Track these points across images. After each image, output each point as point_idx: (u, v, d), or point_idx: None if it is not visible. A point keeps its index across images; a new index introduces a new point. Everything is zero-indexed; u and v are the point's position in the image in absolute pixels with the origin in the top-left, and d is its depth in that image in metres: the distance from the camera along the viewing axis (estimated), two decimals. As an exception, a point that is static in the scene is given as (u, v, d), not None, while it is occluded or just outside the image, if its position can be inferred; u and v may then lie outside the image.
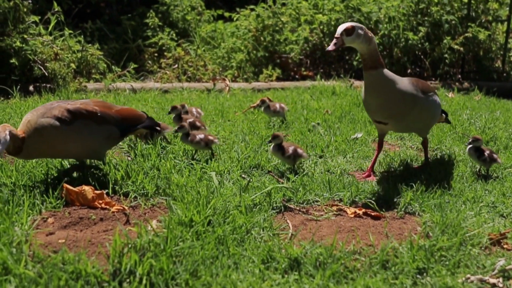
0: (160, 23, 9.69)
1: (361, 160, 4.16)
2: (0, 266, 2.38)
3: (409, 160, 4.15)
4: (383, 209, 3.21)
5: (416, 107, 3.56)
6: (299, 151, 3.83)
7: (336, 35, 3.34)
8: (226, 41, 9.53)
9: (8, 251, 2.44)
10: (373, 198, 3.29)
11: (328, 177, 3.59)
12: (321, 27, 9.12)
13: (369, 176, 3.74)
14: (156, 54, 9.20)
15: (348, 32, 3.32)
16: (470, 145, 3.90)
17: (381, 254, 2.56)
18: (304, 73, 9.05)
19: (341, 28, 3.32)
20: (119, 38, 9.89)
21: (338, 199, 3.35)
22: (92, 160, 3.79)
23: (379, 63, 3.44)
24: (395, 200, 3.30)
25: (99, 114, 3.38)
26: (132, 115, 3.61)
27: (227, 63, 9.07)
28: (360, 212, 3.12)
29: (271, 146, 3.84)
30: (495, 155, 3.86)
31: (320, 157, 4.25)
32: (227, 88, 7.85)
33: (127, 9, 11.12)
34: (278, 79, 8.71)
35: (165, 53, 9.07)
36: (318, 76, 8.60)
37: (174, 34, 9.58)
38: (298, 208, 3.21)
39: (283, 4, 9.67)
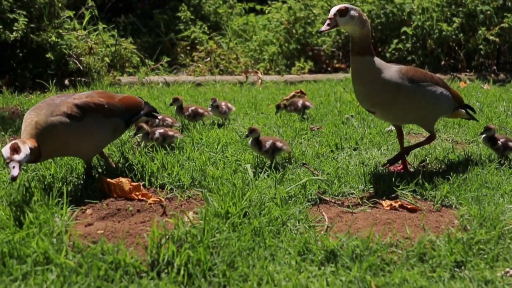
0: (192, 17, 9.73)
1: (395, 153, 4.12)
2: (41, 255, 2.43)
3: (444, 153, 4.10)
4: (419, 202, 3.18)
5: (400, 97, 3.39)
6: (278, 144, 3.75)
7: (329, 16, 3.24)
8: (258, 34, 9.54)
9: (49, 241, 2.50)
10: (409, 191, 3.27)
11: (363, 170, 3.57)
12: (354, 19, 9.05)
13: (404, 168, 3.71)
14: (188, 48, 9.26)
15: (342, 13, 3.22)
16: (484, 135, 3.91)
17: (418, 247, 2.54)
18: (337, 65, 9.01)
19: (334, 9, 3.24)
20: (152, 32, 9.97)
21: (374, 191, 3.33)
22: (123, 152, 3.84)
23: (368, 50, 3.33)
24: (431, 192, 3.27)
25: (106, 106, 3.30)
26: (134, 103, 3.54)
27: (259, 56, 9.07)
28: (396, 205, 3.10)
29: (249, 141, 3.78)
30: (511, 143, 3.85)
31: (355, 149, 4.23)
32: (260, 80, 7.86)
33: (159, 3, 11.19)
34: (310, 71, 8.69)
35: (198, 47, 9.12)
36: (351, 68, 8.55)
37: (206, 28, 9.62)
38: (333, 201, 3.20)
39: (315, -4, 9.64)
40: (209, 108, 4.94)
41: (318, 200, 3.19)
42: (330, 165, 3.73)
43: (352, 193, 3.31)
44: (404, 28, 8.69)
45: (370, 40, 3.35)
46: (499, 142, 3.86)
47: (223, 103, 5.03)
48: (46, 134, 3.04)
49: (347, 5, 3.24)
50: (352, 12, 3.23)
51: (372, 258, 2.44)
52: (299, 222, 2.84)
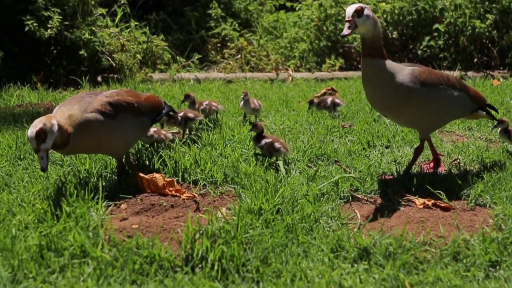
0: (222, 14, 9.78)
1: (428, 151, 4.08)
2: (78, 249, 2.48)
3: (478, 151, 4.05)
4: (453, 201, 3.15)
5: (411, 100, 3.23)
6: (276, 145, 3.73)
7: (347, 18, 3.07)
8: (289, 31, 9.54)
9: (86, 235, 2.54)
10: (442, 189, 3.24)
11: (396, 167, 3.55)
12: (385, 16, 8.99)
13: (435, 166, 3.68)
14: (219, 45, 9.31)
15: (359, 13, 3.05)
16: (499, 128, 3.94)
17: (452, 246, 2.53)
18: (367, 62, 8.95)
19: (351, 10, 3.06)
20: (183, 29, 10.04)
21: (406, 189, 3.31)
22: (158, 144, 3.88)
23: (379, 52, 3.17)
24: (465, 191, 3.24)
25: (136, 105, 3.33)
26: (157, 102, 3.57)
27: (290, 53, 9.07)
28: (429, 203, 3.08)
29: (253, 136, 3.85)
30: None
31: (387, 147, 4.21)
32: (290, 78, 7.86)
33: (190, 0, 11.26)
34: (341, 68, 8.65)
35: (228, 44, 9.16)
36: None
37: (236, 25, 9.66)
38: (365, 198, 3.20)
39: (346, -7, 9.59)
40: (241, 102, 4.89)
41: (350, 197, 3.19)
42: (362, 163, 3.72)
43: (385, 191, 3.30)
44: (436, 25, 8.60)
45: (381, 42, 3.22)
46: None
47: (255, 100, 4.98)
48: (81, 129, 3.03)
49: (361, 4, 3.11)
50: (366, 11, 3.09)
51: (406, 256, 2.43)
52: (331, 219, 2.85)
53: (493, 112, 3.94)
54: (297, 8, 9.86)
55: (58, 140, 2.93)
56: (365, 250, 2.51)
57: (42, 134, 2.82)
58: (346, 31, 3.08)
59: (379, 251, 2.50)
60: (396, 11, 8.86)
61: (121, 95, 3.30)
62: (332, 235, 2.65)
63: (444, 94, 3.38)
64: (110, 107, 3.17)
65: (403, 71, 3.26)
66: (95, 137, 3.12)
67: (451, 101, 3.43)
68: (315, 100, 5.26)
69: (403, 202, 3.13)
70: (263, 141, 3.75)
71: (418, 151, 3.55)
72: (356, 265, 2.44)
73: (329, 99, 5.19)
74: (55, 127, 2.87)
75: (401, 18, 8.86)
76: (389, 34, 8.91)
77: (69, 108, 3.08)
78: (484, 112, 3.80)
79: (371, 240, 2.57)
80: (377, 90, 3.24)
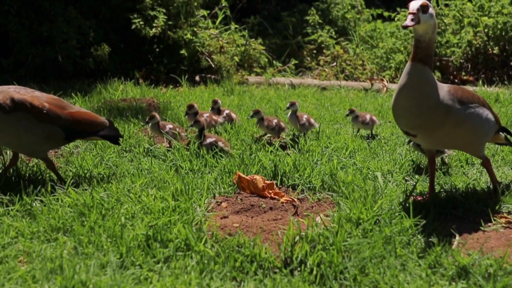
0: (320, 21, 9.84)
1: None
2: (182, 242, 2.60)
3: None
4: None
5: (449, 119, 3.03)
6: (220, 144, 4.08)
7: (411, 10, 2.87)
8: (385, 41, 9.45)
9: (190, 229, 2.66)
10: (545, 214, 3.15)
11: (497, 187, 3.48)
12: (486, 30, 8.75)
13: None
14: (315, 51, 9.37)
15: (424, 9, 2.88)
16: None
17: (556, 273, 2.47)
18: (465, 77, 8.75)
19: (417, 4, 2.88)
20: (279, 34, 10.17)
21: (507, 211, 3.25)
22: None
23: (431, 59, 2.99)
24: None
25: (44, 111, 3.27)
26: (88, 120, 3.45)
27: (386, 63, 9.00)
28: (531, 227, 3.01)
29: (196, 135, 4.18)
30: None
31: (486, 166, 4.12)
32: (385, 88, 7.80)
33: (287, 5, 11.38)
34: (437, 82, 8.49)
35: (324, 51, 9.21)
36: (480, 82, 8.27)
37: (333, 32, 9.68)
38: (464, 217, 3.16)
39: (446, 5, 9.39)
40: (288, 115, 4.64)
41: (449, 215, 3.16)
42: (460, 180, 3.67)
43: (484, 211, 3.24)
44: (542, 43, 8.30)
45: (434, 50, 3.03)
46: None
47: (304, 116, 4.68)
48: None
49: (426, 0, 2.95)
50: (431, 10, 2.94)
51: (507, 279, 2.39)
52: (430, 235, 2.84)
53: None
54: (396, 19, 9.76)
55: None
56: (464, 269, 2.49)
57: None
58: (409, 22, 2.87)
59: (479, 271, 2.48)
60: (499, 26, 8.60)
61: (36, 98, 3.31)
62: (430, 250, 2.64)
63: (478, 112, 3.19)
64: (10, 103, 3.23)
65: (444, 88, 3.10)
66: None
67: (484, 121, 3.24)
68: (356, 111, 4.87)
69: (503, 224, 3.07)
70: (208, 140, 4.08)
71: (487, 165, 3.41)
72: (454, 283, 2.42)
73: (368, 115, 4.85)
74: None
75: (503, 33, 8.60)
76: (490, 49, 8.66)
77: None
78: (503, 135, 3.59)
79: (470, 260, 2.54)
80: (417, 102, 3.01)
